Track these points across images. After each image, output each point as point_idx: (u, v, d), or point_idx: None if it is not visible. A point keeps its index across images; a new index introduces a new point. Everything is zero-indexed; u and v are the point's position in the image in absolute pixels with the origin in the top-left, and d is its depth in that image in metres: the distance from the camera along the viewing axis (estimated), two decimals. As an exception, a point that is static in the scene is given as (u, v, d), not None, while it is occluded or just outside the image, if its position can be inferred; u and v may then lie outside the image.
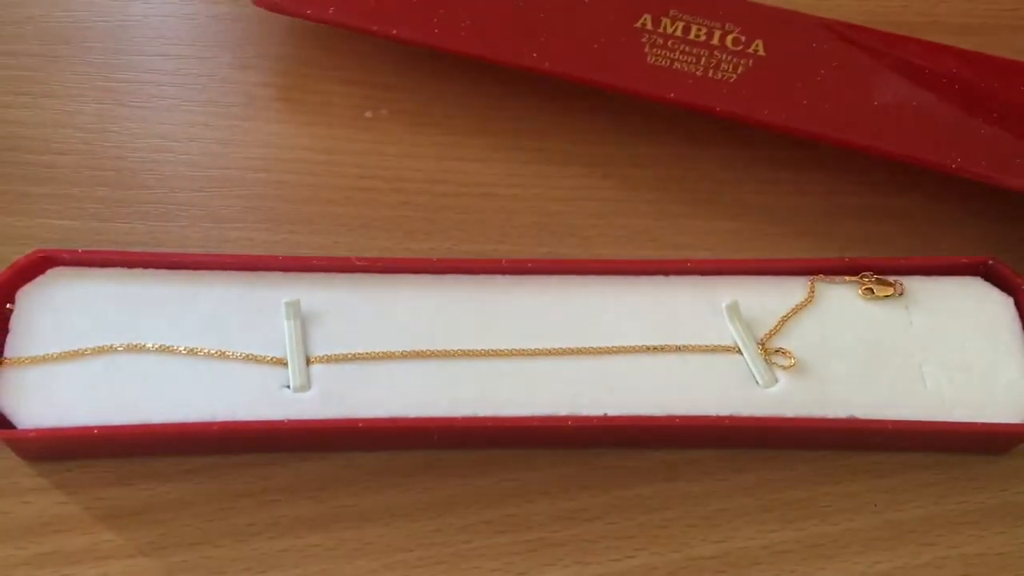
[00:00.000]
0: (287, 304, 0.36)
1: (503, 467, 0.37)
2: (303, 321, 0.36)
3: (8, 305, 0.36)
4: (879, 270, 0.39)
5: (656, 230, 0.42)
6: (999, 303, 0.39)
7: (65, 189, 0.41)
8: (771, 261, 0.39)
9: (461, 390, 0.36)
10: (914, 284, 0.39)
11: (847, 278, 0.39)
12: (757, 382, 0.36)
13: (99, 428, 0.34)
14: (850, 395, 0.36)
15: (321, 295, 0.37)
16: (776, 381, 0.37)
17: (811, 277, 0.39)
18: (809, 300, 0.38)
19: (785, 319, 0.38)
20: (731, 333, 0.37)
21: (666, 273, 0.39)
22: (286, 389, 0.35)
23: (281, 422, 0.34)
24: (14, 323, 0.36)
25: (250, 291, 0.37)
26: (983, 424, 0.36)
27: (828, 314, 0.38)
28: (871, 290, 0.38)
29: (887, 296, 0.38)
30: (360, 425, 0.35)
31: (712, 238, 0.42)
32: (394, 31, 0.42)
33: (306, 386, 0.35)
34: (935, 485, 0.37)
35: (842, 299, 0.38)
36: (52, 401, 0.34)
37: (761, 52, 0.43)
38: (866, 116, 0.42)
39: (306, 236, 0.41)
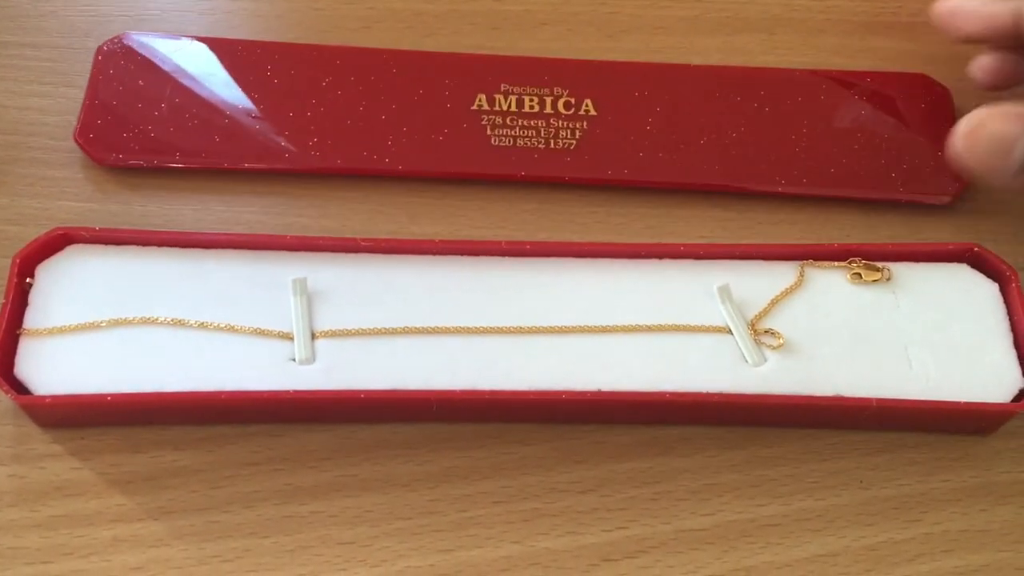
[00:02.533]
0: (294, 281, 0.38)
1: (500, 441, 0.38)
2: (309, 298, 0.38)
3: (28, 279, 0.37)
4: (867, 255, 0.40)
5: (652, 218, 0.44)
6: (984, 289, 0.40)
7: (84, 173, 0.43)
8: (761, 246, 0.41)
9: (460, 365, 0.37)
10: (901, 270, 0.40)
11: (836, 263, 0.40)
12: (747, 361, 0.38)
13: (112, 395, 0.35)
14: (837, 374, 0.37)
15: (327, 274, 0.39)
16: (765, 360, 0.38)
17: (800, 262, 0.40)
18: (798, 284, 0.39)
19: (774, 302, 0.39)
20: (722, 314, 0.39)
21: (660, 257, 0.40)
22: (292, 362, 0.37)
23: (286, 392, 0.36)
24: (33, 296, 0.37)
25: (259, 269, 0.39)
26: (967, 404, 0.37)
27: (817, 298, 0.39)
28: (859, 275, 0.40)
29: (874, 281, 0.39)
30: (361, 396, 0.36)
31: (707, 226, 0.44)
32: (245, 164, 0.43)
33: (311, 359, 0.37)
34: (920, 464, 0.38)
35: (830, 283, 0.40)
36: (68, 370, 0.36)
37: (592, 112, 0.45)
38: (696, 157, 0.44)
39: (315, 219, 0.43)
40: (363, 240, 0.39)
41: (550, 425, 0.39)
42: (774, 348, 0.38)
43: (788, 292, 0.39)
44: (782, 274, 0.40)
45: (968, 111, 0.45)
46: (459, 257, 0.39)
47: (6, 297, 0.37)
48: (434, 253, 0.39)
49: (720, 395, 0.37)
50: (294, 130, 0.43)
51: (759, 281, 0.39)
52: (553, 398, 0.36)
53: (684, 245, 0.40)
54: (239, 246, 0.39)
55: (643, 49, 0.48)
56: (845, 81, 0.47)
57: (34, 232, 0.38)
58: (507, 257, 0.40)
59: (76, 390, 0.36)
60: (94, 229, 0.38)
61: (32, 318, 0.37)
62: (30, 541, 0.35)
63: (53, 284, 0.38)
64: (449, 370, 0.37)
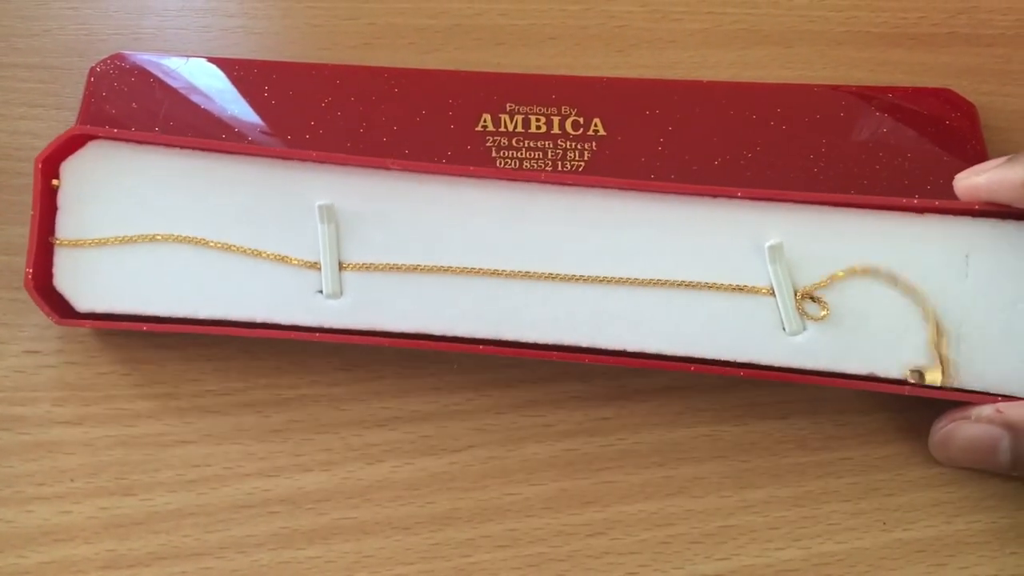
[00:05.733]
0: (321, 207, 0.37)
1: (505, 481, 0.37)
2: (337, 225, 0.37)
3: (54, 181, 0.37)
4: (947, 213, 0.37)
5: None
6: None
7: (76, 200, 0.41)
8: (827, 195, 0.38)
9: (488, 310, 0.36)
10: (983, 230, 0.37)
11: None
12: (783, 328, 0.36)
13: (148, 326, 0.36)
14: (876, 351, 0.36)
15: (356, 198, 0.37)
16: (804, 329, 0.36)
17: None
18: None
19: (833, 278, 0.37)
20: (768, 275, 0.37)
21: (714, 196, 0.38)
22: (319, 294, 0.36)
23: (319, 329, 0.36)
24: (62, 200, 0.37)
25: (285, 187, 0.37)
26: (1001, 398, 0.35)
27: (880, 258, 0.37)
28: None
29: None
30: (387, 343, 0.36)
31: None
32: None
33: (338, 293, 0.36)
34: (946, 504, 0.37)
35: (900, 241, 0.37)
36: (102, 286, 0.36)
37: (601, 131, 0.43)
38: (710, 178, 0.42)
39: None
40: (392, 161, 0.38)
41: (557, 466, 0.37)
42: (817, 319, 0.36)
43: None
44: (850, 225, 0.37)
45: (995, 127, 0.44)
46: (494, 183, 0.38)
47: (34, 206, 0.36)
48: (468, 176, 0.38)
49: (746, 369, 0.36)
50: (295, 138, 0.42)
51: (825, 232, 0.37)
52: (575, 358, 0.36)
53: (742, 190, 0.37)
54: (263, 154, 0.38)
55: (654, 64, 0.46)
56: (866, 97, 0.45)
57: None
58: (547, 186, 0.38)
59: (110, 307, 0.36)
60: (112, 131, 0.38)
61: (63, 225, 0.37)
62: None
63: (78, 186, 0.37)
64: (476, 314, 0.36)
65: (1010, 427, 0.34)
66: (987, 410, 0.35)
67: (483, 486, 0.36)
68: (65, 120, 0.43)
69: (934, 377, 0.35)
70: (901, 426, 0.38)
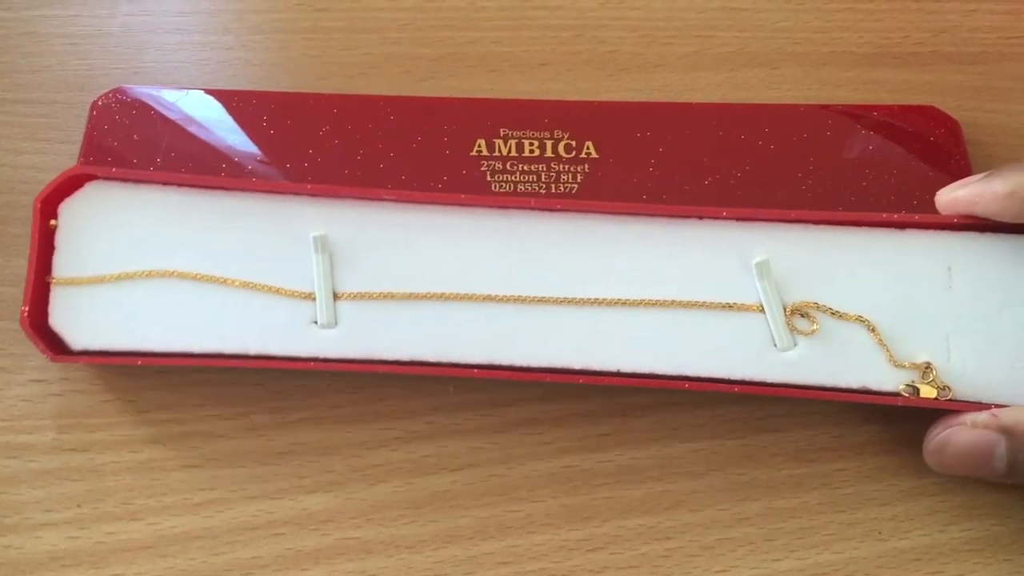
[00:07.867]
0: (315, 238, 0.37)
1: (506, 499, 0.37)
2: (331, 255, 0.37)
3: (52, 221, 0.38)
4: (927, 227, 0.38)
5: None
6: None
7: (79, 231, 0.42)
8: (811, 212, 0.39)
9: (482, 335, 0.37)
10: (963, 243, 0.38)
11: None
12: (775, 345, 0.37)
13: (143, 360, 0.37)
14: (867, 364, 0.36)
15: (350, 228, 0.38)
16: (795, 345, 0.37)
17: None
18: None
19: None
20: (757, 292, 0.37)
21: (700, 217, 0.38)
22: (313, 324, 0.37)
23: (313, 360, 0.36)
24: (59, 240, 0.38)
25: (279, 220, 0.38)
26: (995, 407, 0.36)
27: (863, 271, 0.38)
28: None
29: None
30: (381, 369, 0.36)
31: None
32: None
33: (332, 323, 0.37)
34: (940, 513, 0.37)
35: (882, 256, 0.38)
36: (98, 323, 0.37)
37: (594, 154, 0.44)
38: (701, 198, 0.42)
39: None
40: (385, 192, 0.38)
41: (557, 482, 0.38)
42: (807, 334, 0.37)
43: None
44: (834, 241, 0.38)
45: (978, 142, 0.45)
46: (485, 210, 0.38)
47: (32, 247, 0.37)
48: (459, 205, 0.38)
49: (740, 385, 0.36)
50: (291, 181, 0.43)
51: (810, 250, 0.38)
52: (569, 379, 0.36)
53: (727, 210, 0.38)
54: (258, 190, 0.38)
55: (644, 88, 0.47)
56: (851, 115, 0.46)
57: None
58: (537, 212, 0.38)
59: (106, 344, 0.37)
60: (111, 169, 0.38)
61: (60, 265, 0.38)
62: None
63: (77, 227, 0.38)
64: (470, 341, 0.37)
65: (1006, 431, 0.35)
66: (982, 415, 0.35)
67: (484, 504, 0.37)
68: (68, 154, 0.44)
69: (927, 390, 0.36)
70: (894, 438, 0.39)
